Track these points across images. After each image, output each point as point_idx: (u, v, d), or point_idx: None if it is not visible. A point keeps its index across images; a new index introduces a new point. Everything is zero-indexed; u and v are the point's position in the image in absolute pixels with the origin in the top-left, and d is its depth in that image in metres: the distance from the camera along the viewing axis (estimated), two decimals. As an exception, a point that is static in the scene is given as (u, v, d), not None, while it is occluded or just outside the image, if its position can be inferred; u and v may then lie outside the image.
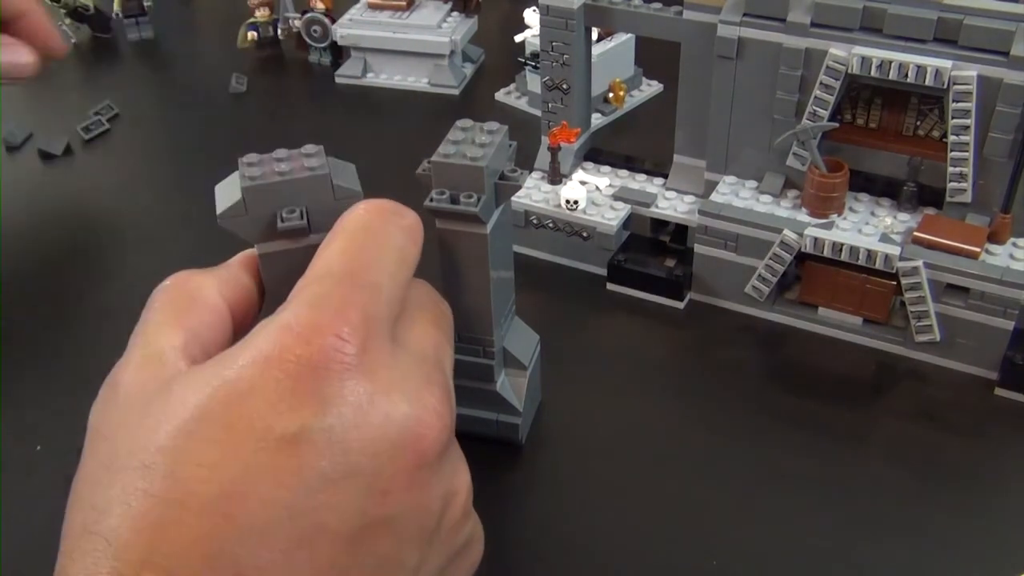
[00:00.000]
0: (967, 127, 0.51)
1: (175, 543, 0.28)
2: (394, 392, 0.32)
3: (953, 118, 0.52)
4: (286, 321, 0.31)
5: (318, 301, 0.32)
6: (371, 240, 0.35)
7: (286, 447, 0.29)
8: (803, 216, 0.57)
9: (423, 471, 0.32)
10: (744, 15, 0.55)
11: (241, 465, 0.29)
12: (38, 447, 0.51)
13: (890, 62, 0.51)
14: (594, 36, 0.70)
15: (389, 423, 0.31)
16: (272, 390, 0.30)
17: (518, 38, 0.83)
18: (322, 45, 0.92)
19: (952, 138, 0.52)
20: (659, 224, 0.63)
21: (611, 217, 0.62)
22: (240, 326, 0.36)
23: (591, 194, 0.63)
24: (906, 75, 0.51)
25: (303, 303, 0.32)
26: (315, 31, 0.91)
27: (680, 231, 0.62)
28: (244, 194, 0.36)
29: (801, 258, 0.56)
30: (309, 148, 0.37)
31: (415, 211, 0.37)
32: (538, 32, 0.68)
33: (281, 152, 0.37)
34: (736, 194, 0.59)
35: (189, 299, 0.35)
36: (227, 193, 0.37)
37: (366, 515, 0.31)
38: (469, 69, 0.90)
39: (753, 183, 0.60)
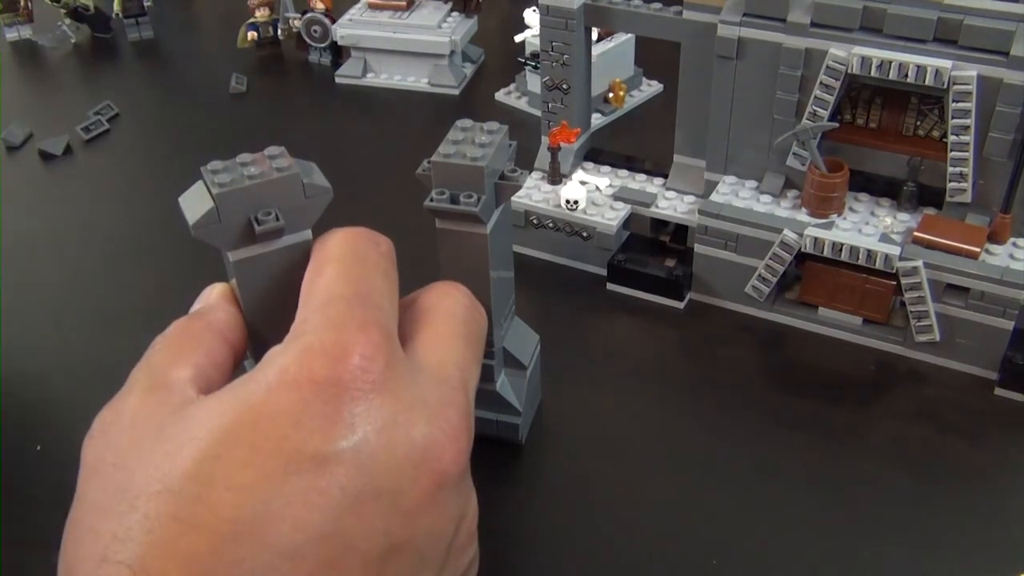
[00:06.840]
0: (967, 127, 0.51)
1: (207, 570, 0.27)
2: (414, 411, 0.32)
3: (953, 118, 0.52)
4: (309, 343, 0.31)
5: (338, 323, 0.32)
6: (363, 265, 0.35)
7: (317, 468, 0.29)
8: (803, 216, 0.57)
9: (443, 492, 0.32)
10: (744, 15, 0.55)
11: (274, 488, 0.28)
12: (38, 447, 0.51)
13: (890, 62, 0.51)
14: (594, 36, 0.70)
15: (411, 444, 0.31)
16: (301, 411, 0.30)
17: (518, 38, 0.83)
18: (322, 45, 0.92)
19: (952, 138, 0.52)
20: (659, 224, 0.63)
21: (611, 217, 0.62)
22: (237, 366, 0.36)
23: (591, 194, 0.63)
24: (906, 75, 0.51)
25: (323, 325, 0.32)
26: (315, 31, 0.91)
27: (680, 231, 0.62)
28: (217, 201, 0.35)
29: (801, 258, 0.56)
30: (273, 150, 0.36)
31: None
32: (538, 32, 0.68)
33: (245, 156, 0.36)
34: (736, 194, 0.59)
35: (195, 340, 0.35)
36: (196, 203, 0.36)
37: (390, 535, 0.31)
38: (469, 69, 0.90)
39: (753, 183, 0.60)
